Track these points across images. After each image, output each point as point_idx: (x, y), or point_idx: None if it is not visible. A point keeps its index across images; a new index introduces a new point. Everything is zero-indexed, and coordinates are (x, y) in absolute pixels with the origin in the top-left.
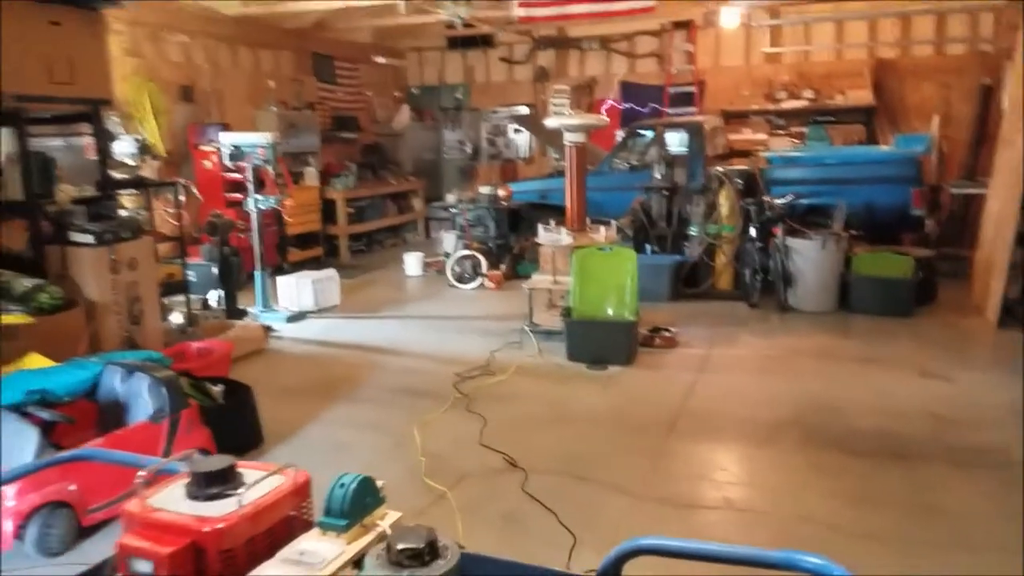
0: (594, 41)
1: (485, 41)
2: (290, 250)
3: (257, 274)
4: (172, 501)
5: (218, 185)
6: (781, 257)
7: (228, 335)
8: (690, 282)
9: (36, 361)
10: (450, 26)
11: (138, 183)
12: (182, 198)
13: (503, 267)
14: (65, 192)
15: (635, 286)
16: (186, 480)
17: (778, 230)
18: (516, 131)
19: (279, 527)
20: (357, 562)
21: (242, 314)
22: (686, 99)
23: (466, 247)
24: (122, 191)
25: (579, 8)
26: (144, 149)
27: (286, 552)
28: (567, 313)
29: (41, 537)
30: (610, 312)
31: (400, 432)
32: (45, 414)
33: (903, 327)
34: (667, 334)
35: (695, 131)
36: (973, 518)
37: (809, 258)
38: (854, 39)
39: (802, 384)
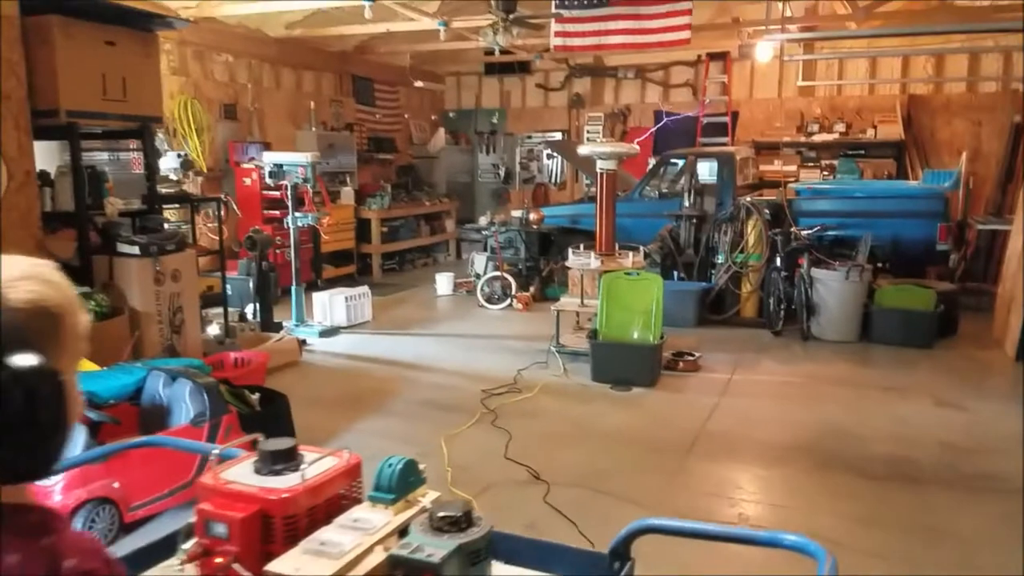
0: (630, 70)
1: (522, 67)
2: (324, 267)
3: (293, 289)
4: (242, 475)
5: (256, 202)
6: (805, 287)
7: (264, 347)
8: (715, 309)
9: (82, 365)
10: (488, 52)
11: (183, 198)
12: (223, 213)
13: (532, 289)
14: (113, 204)
15: (660, 311)
16: (253, 458)
17: (803, 260)
18: (549, 156)
19: (334, 501)
20: (402, 532)
21: (277, 327)
22: (719, 129)
23: (496, 269)
24: (167, 205)
25: (615, 39)
26: (187, 165)
27: (342, 519)
28: (593, 335)
29: (85, 529)
30: (635, 335)
31: (428, 443)
32: (93, 414)
33: (923, 358)
34: (690, 358)
35: (726, 161)
36: (979, 542)
37: (833, 289)
38: (887, 75)
39: (820, 410)
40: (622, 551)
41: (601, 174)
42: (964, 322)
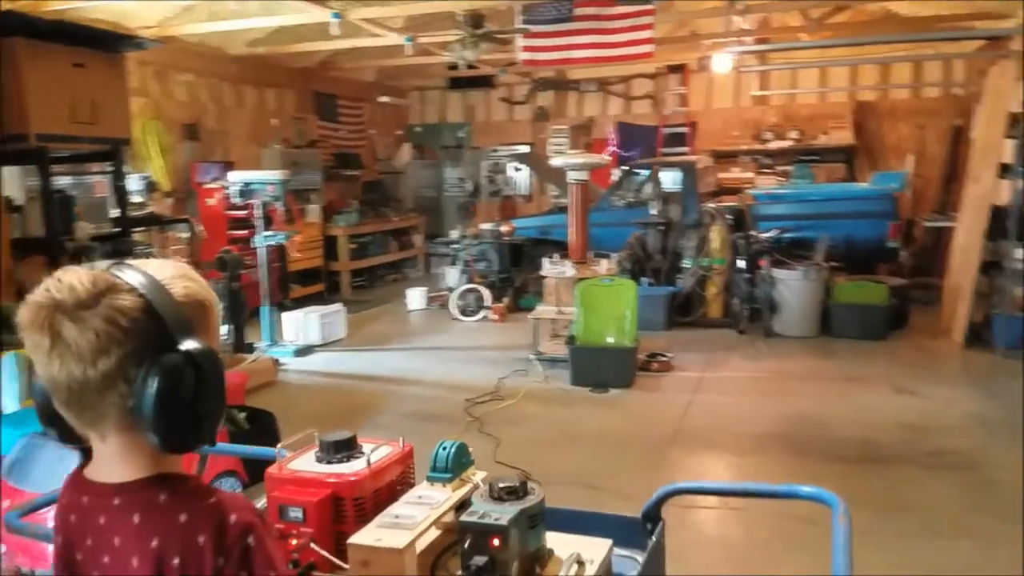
0: (592, 83)
1: (486, 82)
2: (292, 286)
3: (265, 309)
4: (307, 465)
5: (221, 222)
6: (767, 287)
7: (239, 368)
8: (683, 311)
9: None
10: (452, 67)
11: (154, 220)
12: (190, 235)
13: (506, 300)
14: (83, 229)
15: (635, 315)
16: (312, 451)
17: (764, 262)
18: (516, 169)
19: (393, 485)
20: (458, 508)
21: (249, 348)
22: (679, 139)
23: (469, 281)
24: (137, 228)
25: (581, 53)
26: (150, 186)
27: (407, 496)
28: (571, 341)
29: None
30: (611, 340)
31: (418, 453)
32: None
33: (879, 349)
34: (663, 359)
35: (689, 170)
36: (941, 512)
37: (793, 288)
38: (836, 83)
39: (788, 401)
40: (654, 514)
41: (573, 184)
42: (915, 314)
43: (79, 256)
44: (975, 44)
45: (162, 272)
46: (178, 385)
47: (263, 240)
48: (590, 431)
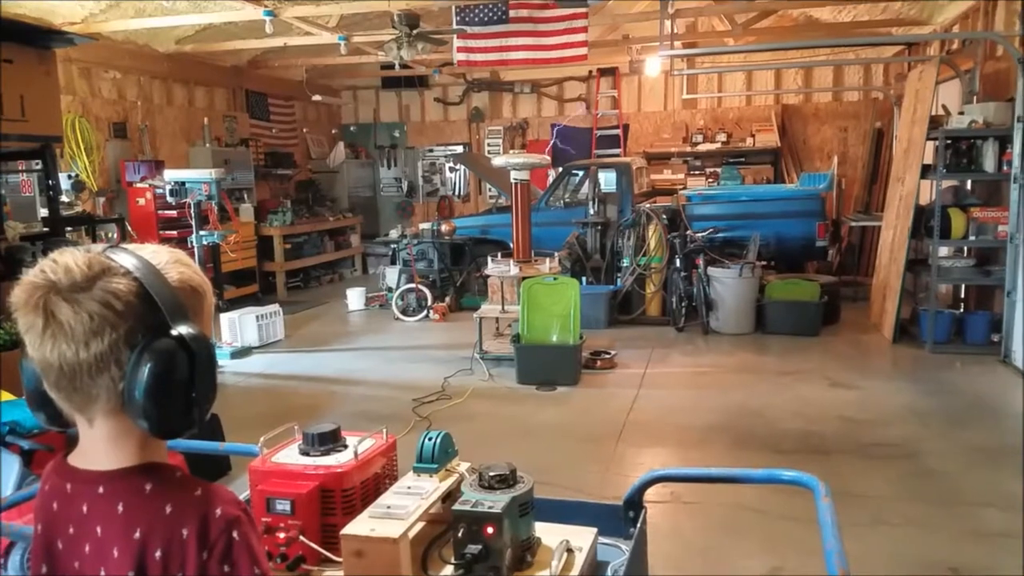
0: (526, 85)
1: (420, 82)
2: (225, 287)
3: None
4: (292, 458)
5: (152, 222)
6: (703, 285)
7: None
8: (623, 309)
9: (2, 396)
10: (386, 66)
11: (87, 219)
12: (116, 236)
13: (448, 299)
14: (14, 228)
15: (578, 313)
16: (295, 444)
17: (700, 261)
18: (452, 169)
19: (378, 476)
20: (444, 499)
21: None
22: (612, 141)
23: (410, 281)
24: (69, 227)
25: (516, 55)
26: (78, 186)
27: (396, 487)
28: (517, 339)
29: (24, 564)
30: (555, 338)
31: None
32: (25, 443)
33: (812, 344)
34: (607, 356)
35: (624, 171)
36: (881, 500)
37: (728, 285)
38: (762, 87)
39: (728, 395)
40: (636, 500)
41: (515, 184)
42: (844, 311)
43: (11, 256)
44: (893, 49)
45: (157, 257)
46: (170, 369)
47: (199, 240)
48: (539, 428)
